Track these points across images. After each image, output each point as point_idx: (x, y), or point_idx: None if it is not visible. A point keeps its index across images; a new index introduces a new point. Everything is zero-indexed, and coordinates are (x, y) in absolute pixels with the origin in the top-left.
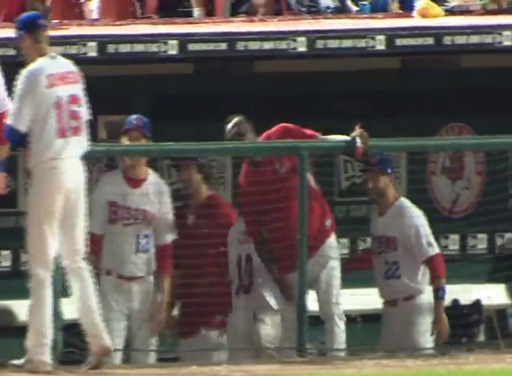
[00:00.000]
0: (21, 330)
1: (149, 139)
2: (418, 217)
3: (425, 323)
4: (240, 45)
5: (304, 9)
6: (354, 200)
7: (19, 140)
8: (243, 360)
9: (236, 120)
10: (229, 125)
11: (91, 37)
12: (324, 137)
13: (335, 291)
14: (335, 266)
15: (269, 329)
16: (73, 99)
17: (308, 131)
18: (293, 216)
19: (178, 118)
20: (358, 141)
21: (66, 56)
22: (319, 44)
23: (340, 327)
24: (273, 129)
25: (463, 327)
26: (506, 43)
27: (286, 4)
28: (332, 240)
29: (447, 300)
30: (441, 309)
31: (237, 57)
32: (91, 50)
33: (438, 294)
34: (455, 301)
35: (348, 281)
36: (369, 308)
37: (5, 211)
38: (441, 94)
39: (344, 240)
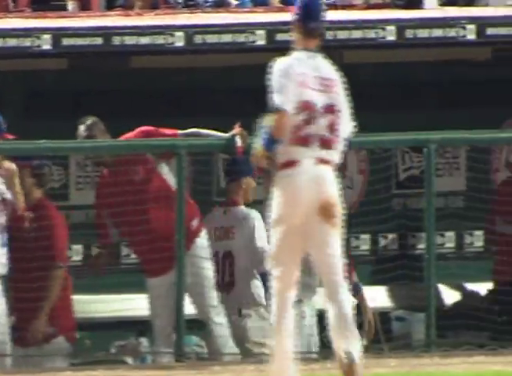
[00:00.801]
0: None
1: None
2: None
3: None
4: (116, 40)
5: (181, 2)
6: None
7: None
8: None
9: (88, 122)
10: (81, 127)
11: None
12: (197, 130)
13: (209, 292)
14: (206, 267)
15: (256, 322)
16: None
17: (168, 132)
18: (154, 219)
19: (52, 115)
20: (238, 140)
21: None
22: (198, 39)
23: (219, 330)
24: (132, 133)
25: None
26: (390, 38)
27: None
28: (202, 239)
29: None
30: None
31: (113, 52)
32: None
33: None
34: None
35: None
36: None
37: None
38: None
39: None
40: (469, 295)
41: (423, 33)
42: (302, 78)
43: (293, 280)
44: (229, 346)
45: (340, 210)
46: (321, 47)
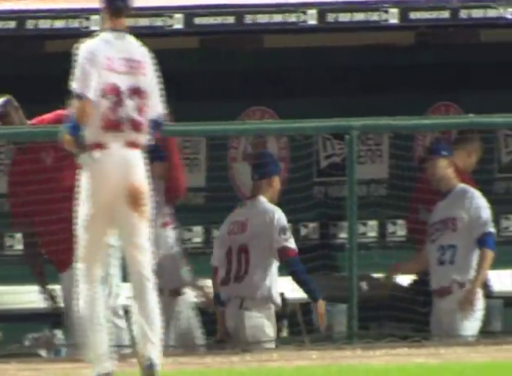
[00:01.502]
0: None
1: None
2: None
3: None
4: (30, 24)
5: None
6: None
7: None
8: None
9: (1, 100)
10: None
11: None
12: None
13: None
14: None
15: (256, 318)
16: None
17: None
18: (68, 208)
19: None
20: None
21: None
22: None
23: (118, 324)
24: (49, 115)
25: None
26: (311, 22)
27: None
28: None
29: None
30: None
31: (27, 36)
32: None
33: None
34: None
35: None
36: None
37: None
38: (247, 76)
39: None
40: (376, 286)
41: (344, 17)
42: (107, 61)
43: (98, 266)
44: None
45: (148, 198)
46: (240, 31)
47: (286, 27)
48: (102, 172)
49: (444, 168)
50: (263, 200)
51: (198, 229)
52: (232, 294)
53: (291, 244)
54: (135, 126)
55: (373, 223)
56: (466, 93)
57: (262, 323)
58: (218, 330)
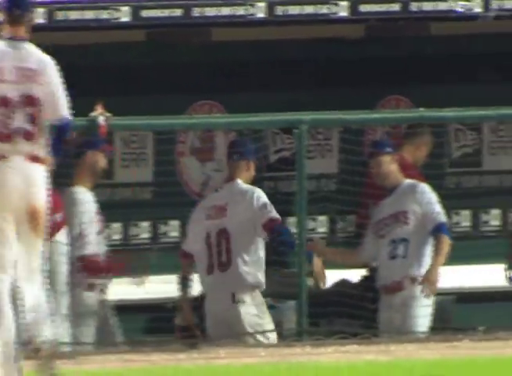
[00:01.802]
0: None
1: None
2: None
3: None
4: None
5: None
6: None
7: None
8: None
9: None
10: None
11: None
12: None
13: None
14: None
15: (251, 309)
16: None
17: None
18: None
19: None
20: (101, 120)
21: None
22: (60, 15)
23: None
24: None
25: None
26: (260, 15)
27: None
28: (61, 236)
29: (196, 290)
30: None
31: None
32: None
33: None
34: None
35: None
36: None
37: None
38: (191, 69)
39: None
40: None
41: (294, 10)
42: None
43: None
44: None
45: (44, 217)
46: (188, 24)
47: (235, 20)
48: (4, 185)
49: (388, 164)
50: (240, 182)
51: (145, 224)
52: (219, 284)
53: (276, 215)
54: (28, 137)
55: (322, 219)
56: (417, 87)
57: (258, 315)
58: (184, 316)
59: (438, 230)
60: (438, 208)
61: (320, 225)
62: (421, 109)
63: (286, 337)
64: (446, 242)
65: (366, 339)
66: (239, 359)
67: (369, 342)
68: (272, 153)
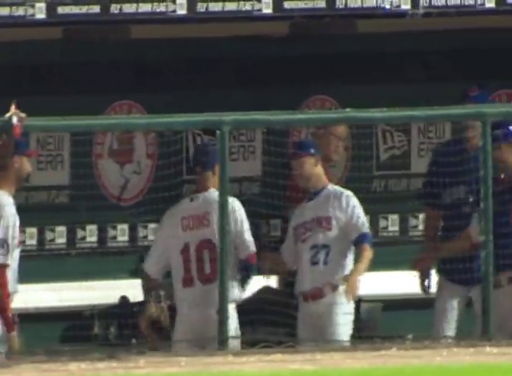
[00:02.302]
0: None
1: None
2: (355, 199)
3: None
4: None
5: None
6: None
7: None
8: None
9: None
10: None
11: None
12: None
13: None
14: None
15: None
16: None
17: None
18: None
19: None
20: (15, 120)
21: None
22: None
23: None
24: None
25: (133, 327)
26: (180, 12)
27: None
28: None
29: (115, 297)
30: None
31: None
32: None
33: None
34: (122, 299)
35: None
36: None
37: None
38: (110, 68)
39: None
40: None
41: (215, 6)
42: None
43: None
44: None
45: None
46: (106, 22)
47: (155, 17)
48: None
49: (311, 166)
50: (214, 190)
51: (62, 229)
52: (199, 297)
53: (253, 246)
54: None
55: None
56: (343, 86)
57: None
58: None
59: (360, 240)
60: (362, 218)
61: None
62: (348, 109)
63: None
64: (368, 251)
65: (291, 348)
66: (158, 368)
67: (293, 351)
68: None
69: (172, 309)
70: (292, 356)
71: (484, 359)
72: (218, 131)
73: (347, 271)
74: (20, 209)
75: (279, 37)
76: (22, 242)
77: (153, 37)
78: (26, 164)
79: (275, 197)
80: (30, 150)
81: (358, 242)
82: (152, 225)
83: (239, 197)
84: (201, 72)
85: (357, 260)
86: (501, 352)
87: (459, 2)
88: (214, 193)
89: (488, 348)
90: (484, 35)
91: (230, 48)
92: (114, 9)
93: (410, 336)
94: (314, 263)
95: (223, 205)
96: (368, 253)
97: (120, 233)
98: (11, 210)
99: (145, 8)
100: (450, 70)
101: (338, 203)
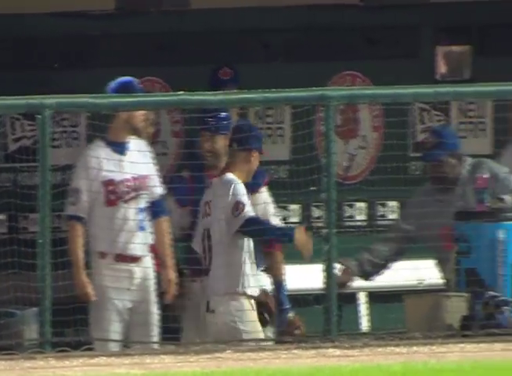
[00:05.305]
0: None
1: None
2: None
3: None
4: None
5: None
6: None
7: None
8: None
9: None
10: None
11: None
12: None
13: None
14: None
15: (227, 316)
16: None
17: None
18: None
19: None
20: None
21: None
22: None
23: None
24: None
25: None
26: None
27: None
28: None
29: None
30: None
31: None
32: None
33: None
34: None
35: None
36: None
37: None
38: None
39: None
40: None
41: None
42: None
43: None
44: None
45: None
46: None
47: None
48: None
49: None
50: (229, 176)
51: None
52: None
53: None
54: None
55: None
56: (173, 67)
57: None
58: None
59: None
60: None
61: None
62: (181, 92)
63: (27, 348)
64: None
65: (118, 350)
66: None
67: (120, 354)
68: (12, 142)
69: None
70: (119, 360)
71: (326, 362)
72: (38, 116)
73: None
74: None
75: (108, 13)
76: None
77: None
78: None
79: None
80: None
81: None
82: None
83: (61, 186)
84: (20, 52)
85: None
86: (344, 354)
87: None
88: (222, 179)
89: (330, 350)
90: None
91: (49, 25)
92: None
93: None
94: None
95: (44, 198)
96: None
97: None
98: None
99: None
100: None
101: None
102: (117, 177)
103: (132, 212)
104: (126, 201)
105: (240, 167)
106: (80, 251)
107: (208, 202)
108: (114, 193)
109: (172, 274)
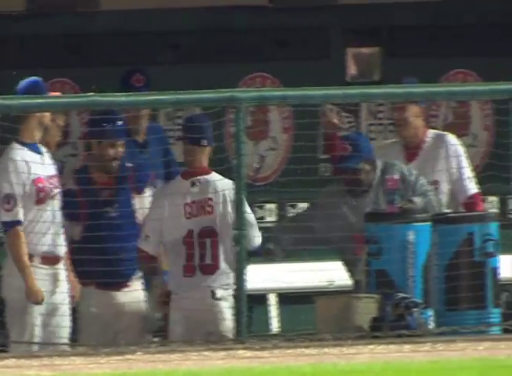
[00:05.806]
0: None
1: None
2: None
3: None
4: None
5: None
6: None
7: None
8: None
9: None
10: None
11: None
12: None
13: None
14: None
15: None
16: None
17: None
18: None
19: None
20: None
21: None
22: None
23: None
24: None
25: None
26: None
27: None
28: None
29: None
30: None
31: None
32: None
33: None
34: None
35: None
36: None
37: None
38: None
39: None
40: None
41: None
42: None
43: None
44: None
45: None
46: None
47: None
48: None
49: None
50: (217, 175)
51: None
52: (200, 284)
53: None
54: None
55: None
56: (83, 69)
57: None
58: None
59: None
60: None
61: None
62: (92, 93)
63: None
64: None
65: (26, 352)
66: None
67: (30, 356)
68: None
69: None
70: (28, 361)
71: (237, 363)
72: None
73: None
74: None
75: (21, 13)
76: None
77: None
78: None
79: None
80: None
81: None
82: None
83: None
84: None
85: None
86: (254, 356)
87: None
88: (217, 178)
89: (240, 352)
90: None
91: None
92: None
93: (156, 339)
94: None
95: None
96: None
97: None
98: None
99: None
100: None
101: None
102: (44, 174)
103: (58, 212)
104: (52, 198)
105: (207, 161)
106: (26, 258)
107: (195, 202)
108: (43, 191)
109: (72, 276)
